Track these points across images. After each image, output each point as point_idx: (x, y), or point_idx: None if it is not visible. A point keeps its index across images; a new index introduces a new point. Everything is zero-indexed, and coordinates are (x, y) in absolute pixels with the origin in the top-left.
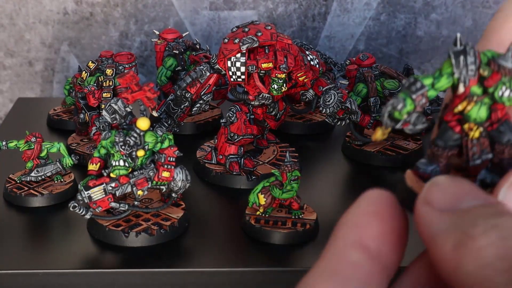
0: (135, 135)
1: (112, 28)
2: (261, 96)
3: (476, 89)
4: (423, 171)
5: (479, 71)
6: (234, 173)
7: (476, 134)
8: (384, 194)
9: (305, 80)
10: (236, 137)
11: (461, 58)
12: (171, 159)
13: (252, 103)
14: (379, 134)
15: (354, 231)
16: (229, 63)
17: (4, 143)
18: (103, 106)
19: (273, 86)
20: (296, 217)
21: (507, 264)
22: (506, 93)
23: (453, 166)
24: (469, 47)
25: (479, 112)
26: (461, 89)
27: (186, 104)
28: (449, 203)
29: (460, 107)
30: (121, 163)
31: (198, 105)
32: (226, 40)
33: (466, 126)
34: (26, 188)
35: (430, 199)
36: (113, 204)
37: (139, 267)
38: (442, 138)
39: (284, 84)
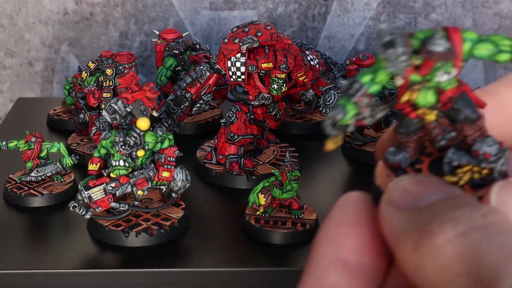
0: (135, 135)
1: (112, 28)
2: (261, 96)
3: (416, 78)
4: (393, 161)
5: (411, 61)
6: (234, 173)
7: (432, 117)
8: (359, 197)
9: (305, 80)
10: (236, 137)
11: (390, 50)
12: (171, 159)
13: (252, 103)
14: (330, 145)
15: (331, 248)
16: (229, 63)
17: (4, 143)
18: (103, 106)
19: (273, 86)
20: (296, 217)
21: (466, 265)
22: (444, 78)
23: (423, 149)
24: (397, 36)
25: (426, 98)
26: (398, 82)
27: (186, 104)
28: (411, 201)
29: (405, 98)
30: (121, 163)
31: (198, 105)
32: (226, 40)
33: (420, 111)
34: (26, 188)
35: (392, 199)
36: (113, 204)
37: (139, 267)
38: (402, 125)
39: (284, 84)
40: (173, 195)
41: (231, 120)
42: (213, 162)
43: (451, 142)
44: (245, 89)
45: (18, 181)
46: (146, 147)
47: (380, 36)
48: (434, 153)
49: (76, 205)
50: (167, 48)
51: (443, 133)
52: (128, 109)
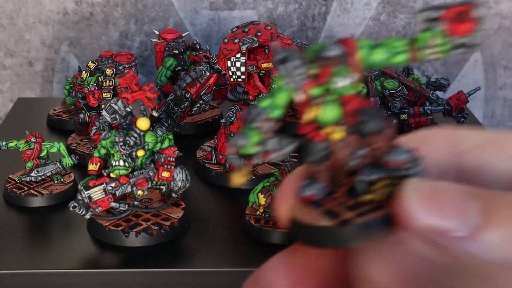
0: (135, 135)
1: (112, 28)
2: (261, 96)
3: (315, 90)
4: (307, 194)
5: (307, 72)
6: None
7: (339, 134)
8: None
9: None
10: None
11: (285, 65)
12: (171, 159)
13: (252, 103)
14: (236, 179)
15: None
16: (229, 63)
17: (4, 143)
18: (103, 106)
19: (273, 86)
20: None
21: None
22: (342, 83)
23: (338, 179)
24: (291, 52)
25: (329, 112)
26: (298, 97)
27: (186, 104)
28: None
29: (308, 115)
30: (121, 163)
31: (198, 105)
32: (226, 40)
33: (325, 130)
34: (26, 188)
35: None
36: (113, 204)
37: (139, 267)
38: (310, 153)
39: None
40: (173, 195)
41: (231, 120)
42: (213, 162)
43: (363, 162)
44: (245, 89)
45: (18, 181)
46: (146, 147)
47: (274, 53)
48: (350, 183)
49: (76, 205)
50: (167, 48)
51: (353, 152)
52: (128, 109)
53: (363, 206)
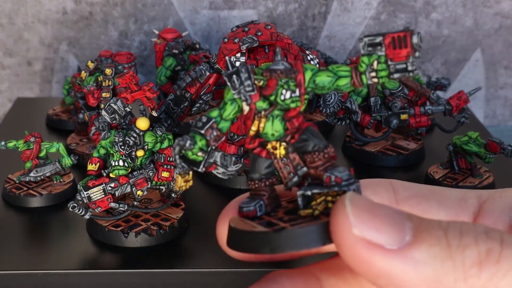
0: (135, 135)
1: (112, 27)
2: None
3: (262, 104)
4: (247, 210)
5: (255, 83)
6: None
7: (282, 151)
8: None
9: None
10: (236, 137)
11: (234, 77)
12: (171, 159)
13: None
14: (179, 182)
15: None
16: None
17: (3, 143)
18: (102, 106)
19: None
20: None
21: None
22: (287, 95)
23: (279, 202)
24: (241, 66)
25: (273, 126)
26: (245, 108)
27: (185, 104)
28: (398, 241)
29: (254, 128)
30: (121, 163)
31: (197, 105)
32: (226, 40)
33: (269, 146)
34: (25, 188)
35: (377, 242)
36: (112, 204)
37: (139, 268)
38: (254, 169)
39: None
40: (173, 195)
41: None
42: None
43: (303, 181)
44: None
45: (17, 181)
46: (146, 147)
47: (227, 68)
48: (289, 206)
49: (75, 205)
50: (166, 48)
51: (294, 170)
52: (128, 109)
53: (301, 219)
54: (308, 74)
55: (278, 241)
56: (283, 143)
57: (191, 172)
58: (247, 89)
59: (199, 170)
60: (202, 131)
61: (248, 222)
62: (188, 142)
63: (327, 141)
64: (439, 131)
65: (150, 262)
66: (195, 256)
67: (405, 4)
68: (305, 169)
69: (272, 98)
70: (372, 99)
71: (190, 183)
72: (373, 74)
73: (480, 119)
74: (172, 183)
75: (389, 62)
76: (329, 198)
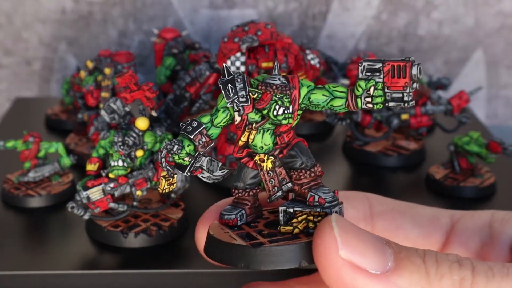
0: (134, 135)
1: (111, 27)
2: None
3: (254, 116)
4: (228, 218)
5: (250, 95)
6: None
7: (269, 164)
8: None
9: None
10: (236, 137)
11: (229, 86)
12: (171, 160)
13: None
14: (163, 185)
15: None
16: (228, 63)
17: (1, 143)
18: (101, 105)
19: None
20: None
21: None
22: (280, 111)
23: (260, 212)
24: (237, 75)
25: (263, 139)
26: (237, 118)
27: (185, 104)
28: (382, 266)
29: (243, 138)
30: (120, 163)
31: (197, 104)
32: (225, 39)
33: (257, 158)
34: (24, 189)
35: (360, 265)
36: (111, 205)
37: (138, 268)
38: (239, 178)
39: None
40: (172, 195)
41: None
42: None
43: (287, 195)
44: None
45: (16, 182)
46: (145, 147)
47: (223, 75)
48: (270, 217)
49: (75, 205)
50: (166, 47)
51: (279, 184)
52: (127, 109)
53: (280, 235)
54: (303, 91)
55: (254, 256)
56: (271, 157)
57: (175, 175)
58: (241, 99)
59: (185, 174)
60: (191, 136)
61: (228, 232)
62: (176, 147)
63: (314, 160)
64: (440, 131)
65: (150, 262)
66: (195, 257)
67: (406, 3)
68: (290, 185)
69: (265, 112)
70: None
71: (174, 186)
72: (368, 99)
73: (481, 119)
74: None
75: (386, 90)
76: (311, 218)
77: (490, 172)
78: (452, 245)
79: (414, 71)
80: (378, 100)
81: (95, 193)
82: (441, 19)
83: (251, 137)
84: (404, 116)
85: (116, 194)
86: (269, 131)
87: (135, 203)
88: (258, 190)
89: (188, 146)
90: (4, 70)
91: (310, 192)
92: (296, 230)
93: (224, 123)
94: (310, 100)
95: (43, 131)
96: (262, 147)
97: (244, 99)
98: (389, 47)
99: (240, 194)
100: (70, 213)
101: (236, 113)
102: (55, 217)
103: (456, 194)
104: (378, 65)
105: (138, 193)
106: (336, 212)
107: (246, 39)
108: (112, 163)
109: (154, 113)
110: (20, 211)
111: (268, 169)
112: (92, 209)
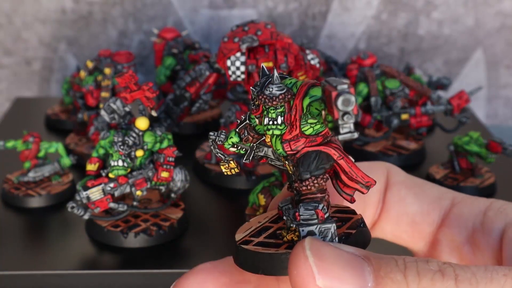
0: (134, 135)
1: (111, 27)
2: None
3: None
4: (323, 211)
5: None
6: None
7: (289, 167)
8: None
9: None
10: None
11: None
12: (170, 159)
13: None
14: (223, 168)
15: None
16: (228, 62)
17: (1, 143)
18: (101, 105)
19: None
20: None
21: None
22: (265, 121)
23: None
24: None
25: (275, 144)
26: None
27: (185, 104)
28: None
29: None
30: (120, 163)
31: (197, 104)
32: (225, 39)
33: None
34: (24, 189)
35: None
36: (111, 205)
37: (138, 268)
38: (318, 166)
39: None
40: (172, 195)
41: (230, 120)
42: (213, 162)
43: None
44: (245, 89)
45: (16, 182)
46: (145, 147)
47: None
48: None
49: (75, 205)
50: (166, 47)
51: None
52: (127, 109)
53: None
54: (306, 101)
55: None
56: (287, 161)
57: (231, 161)
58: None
59: (245, 161)
60: (237, 129)
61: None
62: (222, 137)
63: (309, 175)
64: (440, 131)
65: (150, 262)
66: (195, 257)
67: (406, 3)
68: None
69: (263, 121)
70: (373, 99)
71: (236, 170)
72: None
73: (481, 119)
74: (171, 183)
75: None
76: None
77: (490, 172)
78: (446, 228)
79: (343, 102)
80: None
81: (95, 193)
82: (441, 19)
83: (267, 140)
84: (404, 116)
85: (116, 194)
86: (279, 137)
87: (135, 203)
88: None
89: (233, 137)
90: (4, 70)
91: (298, 206)
92: (296, 239)
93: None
94: (310, 111)
95: (43, 131)
96: (277, 150)
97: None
98: (389, 47)
99: (316, 184)
100: (70, 213)
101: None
102: (55, 217)
103: None
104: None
105: (138, 193)
106: (311, 231)
107: (246, 39)
108: (112, 163)
109: (154, 113)
110: (20, 211)
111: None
112: (92, 209)
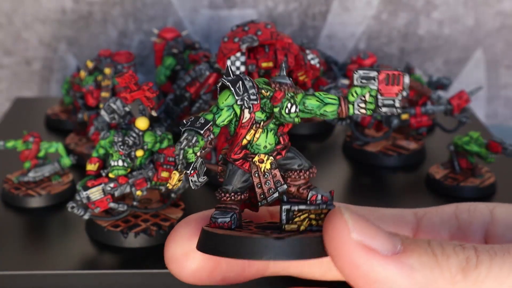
0: (134, 135)
1: (111, 27)
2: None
3: (260, 115)
4: (222, 221)
5: (263, 93)
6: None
7: (268, 165)
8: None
9: (305, 80)
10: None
11: (239, 84)
12: (171, 159)
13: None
14: (174, 180)
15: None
16: (228, 63)
17: (1, 143)
18: (101, 105)
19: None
20: None
21: None
22: (293, 109)
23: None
24: (243, 74)
25: (267, 139)
26: (246, 115)
27: (185, 104)
28: (392, 247)
29: (248, 137)
30: (120, 163)
31: (197, 104)
32: (225, 39)
33: (256, 159)
34: (24, 189)
35: (374, 247)
36: (111, 205)
37: (138, 268)
38: (230, 181)
39: None
40: (172, 195)
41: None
42: (213, 162)
43: (280, 196)
44: None
45: (16, 182)
46: (145, 147)
47: (227, 74)
48: (254, 223)
49: (74, 205)
50: (166, 47)
51: (274, 186)
52: (127, 109)
53: (286, 233)
54: (299, 96)
55: (281, 248)
56: (271, 158)
57: (184, 171)
58: (252, 97)
59: (187, 171)
60: (202, 132)
61: (231, 231)
62: (195, 139)
63: (310, 163)
64: (440, 131)
65: (150, 262)
66: None
67: (406, 3)
68: (285, 186)
69: (277, 110)
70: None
71: (180, 183)
72: (363, 105)
73: (481, 119)
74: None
75: (379, 96)
76: (312, 216)
77: (490, 172)
78: None
79: (407, 80)
80: (371, 106)
81: (95, 193)
82: (441, 19)
83: (257, 135)
84: (404, 116)
85: (116, 194)
86: (273, 131)
87: (135, 203)
88: (246, 196)
89: (201, 141)
90: (4, 70)
91: (311, 191)
92: (302, 228)
93: (227, 122)
94: (305, 105)
95: (43, 131)
96: (266, 147)
97: (254, 97)
98: (389, 47)
99: (229, 199)
100: (70, 213)
101: (246, 111)
102: (55, 217)
103: (456, 194)
104: (373, 74)
105: (138, 193)
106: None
107: (246, 39)
108: (112, 163)
109: (154, 113)
110: (20, 211)
111: (266, 170)
112: (92, 209)
